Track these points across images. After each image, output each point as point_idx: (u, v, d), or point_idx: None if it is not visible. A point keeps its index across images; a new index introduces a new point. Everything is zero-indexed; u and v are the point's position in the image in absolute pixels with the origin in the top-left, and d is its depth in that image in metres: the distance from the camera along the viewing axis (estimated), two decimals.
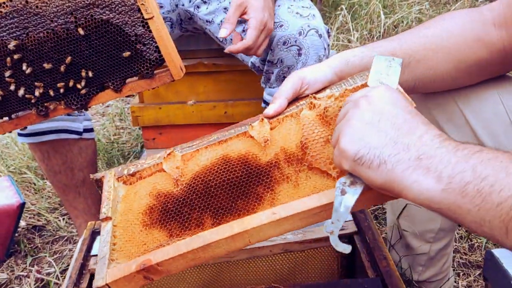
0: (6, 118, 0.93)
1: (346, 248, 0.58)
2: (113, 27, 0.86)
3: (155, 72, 0.89)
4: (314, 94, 0.77)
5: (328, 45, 1.25)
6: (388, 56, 0.73)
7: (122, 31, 0.86)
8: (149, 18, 0.85)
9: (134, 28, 0.86)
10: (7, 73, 0.88)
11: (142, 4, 0.84)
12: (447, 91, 0.91)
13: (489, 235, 0.49)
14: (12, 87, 0.89)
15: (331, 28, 2.99)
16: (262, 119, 0.76)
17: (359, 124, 0.57)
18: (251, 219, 0.63)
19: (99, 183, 0.78)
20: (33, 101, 0.90)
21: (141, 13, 0.85)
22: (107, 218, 0.70)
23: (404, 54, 0.82)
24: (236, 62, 1.58)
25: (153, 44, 0.86)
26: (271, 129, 0.75)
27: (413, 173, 0.52)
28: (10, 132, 0.96)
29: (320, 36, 1.21)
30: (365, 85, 0.73)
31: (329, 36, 1.28)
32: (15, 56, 0.87)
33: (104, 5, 0.86)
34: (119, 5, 0.85)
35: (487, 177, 0.48)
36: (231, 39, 1.36)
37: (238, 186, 0.69)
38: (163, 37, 0.86)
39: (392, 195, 0.56)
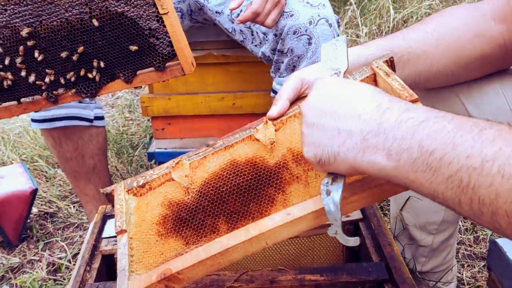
0: (15, 102, 0.94)
1: (356, 241, 0.59)
2: (128, 20, 0.86)
3: (166, 65, 0.90)
4: None
5: (338, 34, 1.26)
6: (332, 40, 0.73)
7: (136, 25, 0.87)
8: (164, 14, 0.85)
9: (148, 22, 0.87)
10: (19, 59, 0.89)
11: None
12: (449, 85, 0.91)
13: (445, 205, 0.49)
14: (23, 73, 0.90)
15: (340, 23, 2.99)
16: (266, 122, 0.77)
17: (307, 131, 0.59)
18: (266, 221, 0.64)
19: (109, 196, 0.79)
20: (43, 87, 0.92)
21: (156, 8, 0.85)
22: (122, 231, 0.71)
23: (403, 51, 0.82)
24: (245, 54, 1.59)
25: (167, 39, 0.87)
26: (275, 130, 0.76)
27: (364, 155, 0.52)
28: (18, 116, 0.98)
29: (330, 25, 1.23)
30: (364, 80, 0.74)
31: (338, 26, 1.29)
32: (28, 43, 0.88)
33: None
34: None
35: (435, 151, 0.47)
36: (241, 30, 1.38)
37: (249, 190, 0.70)
38: (177, 32, 0.86)
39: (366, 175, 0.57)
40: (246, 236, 0.63)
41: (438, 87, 0.92)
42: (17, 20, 0.88)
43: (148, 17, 0.86)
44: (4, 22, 0.88)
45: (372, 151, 0.52)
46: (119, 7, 0.86)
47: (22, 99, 0.94)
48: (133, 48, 0.88)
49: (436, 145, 0.47)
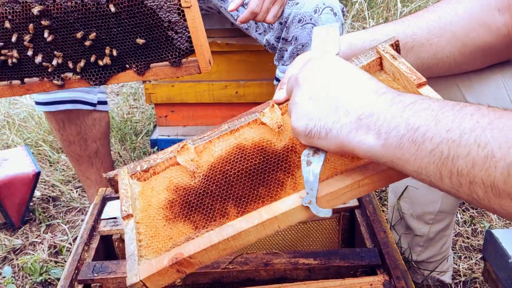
0: (18, 82, 0.91)
1: (327, 213, 0.60)
2: (147, 9, 0.83)
3: (182, 61, 0.87)
4: None
5: (342, 23, 1.26)
6: (326, 25, 0.73)
7: (155, 15, 0.83)
8: (187, 7, 0.82)
9: (168, 14, 0.83)
10: (27, 38, 0.86)
11: None
12: (450, 75, 0.91)
13: (428, 182, 0.51)
14: (30, 52, 0.87)
15: (346, 16, 2.98)
16: (273, 105, 0.76)
17: (301, 101, 0.60)
18: (278, 204, 0.64)
19: (112, 181, 0.79)
20: (49, 69, 0.89)
21: (179, 0, 0.82)
22: (129, 216, 0.70)
23: (407, 38, 0.82)
24: (249, 42, 1.60)
25: (186, 33, 0.84)
26: (281, 114, 0.75)
27: (357, 134, 0.54)
28: (20, 96, 0.97)
29: (335, 14, 1.23)
30: (371, 64, 0.74)
31: (344, 14, 1.29)
32: (42, 22, 0.85)
33: None
34: None
35: (419, 127, 0.50)
36: None
37: (257, 174, 0.69)
38: (198, 28, 0.83)
39: (351, 155, 0.59)
40: (259, 219, 0.63)
41: (439, 76, 0.92)
42: None
43: (169, 9, 0.83)
44: None
45: (363, 131, 0.54)
46: None
47: (26, 79, 0.91)
48: (140, 41, 0.84)
49: (421, 121, 0.50)
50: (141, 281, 0.63)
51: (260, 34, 1.39)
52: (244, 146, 0.74)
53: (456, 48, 0.85)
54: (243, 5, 1.33)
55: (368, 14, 2.98)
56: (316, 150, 0.60)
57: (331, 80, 0.59)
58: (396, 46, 0.74)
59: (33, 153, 1.91)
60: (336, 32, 0.71)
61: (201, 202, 0.70)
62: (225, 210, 0.68)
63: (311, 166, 0.59)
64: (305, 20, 1.22)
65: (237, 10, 1.38)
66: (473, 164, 0.46)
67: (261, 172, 0.70)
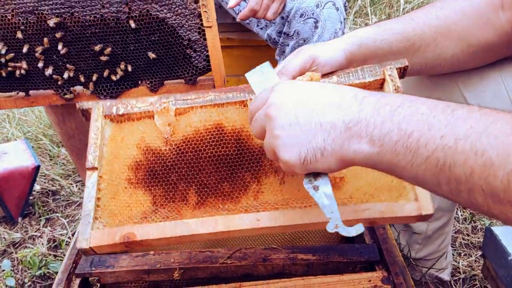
0: (22, 94, 0.88)
1: (359, 229, 0.56)
2: (167, 27, 0.82)
3: (197, 79, 0.87)
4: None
5: (345, 18, 1.26)
6: (257, 67, 0.70)
7: (175, 33, 0.83)
8: (208, 27, 0.82)
9: (189, 32, 0.83)
10: (39, 49, 0.84)
11: (205, 11, 0.81)
12: (450, 73, 0.91)
13: (427, 188, 0.50)
14: (40, 64, 0.85)
15: (349, 12, 2.97)
16: None
17: (282, 132, 0.56)
18: (235, 220, 0.65)
19: (85, 113, 0.75)
20: (59, 82, 0.87)
21: (201, 20, 0.81)
22: (94, 168, 0.69)
23: (416, 37, 0.82)
24: (250, 37, 1.59)
25: (204, 52, 0.84)
26: None
27: (350, 144, 0.52)
28: (23, 108, 0.93)
29: (337, 9, 1.22)
30: (372, 82, 0.74)
31: (346, 9, 1.28)
32: (56, 35, 0.83)
33: (163, 2, 0.81)
34: (180, 7, 0.82)
35: (412, 133, 0.48)
36: None
37: (227, 166, 0.69)
38: (216, 47, 0.84)
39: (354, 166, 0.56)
40: (214, 229, 0.64)
41: (440, 73, 0.92)
42: (46, 7, 0.82)
43: (190, 28, 0.83)
44: (31, 7, 0.82)
45: (356, 139, 0.52)
46: (161, 12, 0.82)
47: (31, 92, 0.89)
48: (152, 55, 0.84)
49: (413, 127, 0.48)
50: (90, 247, 0.64)
51: (261, 28, 1.38)
52: (224, 128, 0.72)
53: (459, 48, 0.84)
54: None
55: (370, 10, 2.97)
56: (315, 174, 0.57)
57: (304, 99, 0.56)
58: (403, 70, 0.75)
59: (33, 147, 1.90)
60: (269, 68, 0.68)
61: (166, 177, 0.69)
62: (186, 194, 0.68)
63: (321, 190, 0.56)
64: (307, 15, 1.22)
65: (239, 5, 1.37)
66: (471, 171, 0.44)
67: (231, 166, 0.69)
